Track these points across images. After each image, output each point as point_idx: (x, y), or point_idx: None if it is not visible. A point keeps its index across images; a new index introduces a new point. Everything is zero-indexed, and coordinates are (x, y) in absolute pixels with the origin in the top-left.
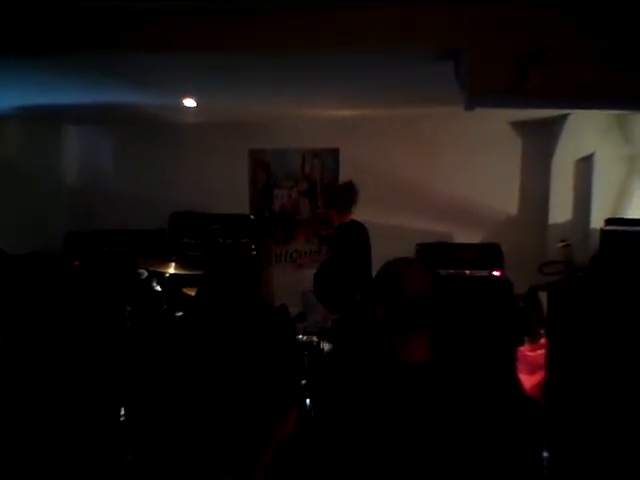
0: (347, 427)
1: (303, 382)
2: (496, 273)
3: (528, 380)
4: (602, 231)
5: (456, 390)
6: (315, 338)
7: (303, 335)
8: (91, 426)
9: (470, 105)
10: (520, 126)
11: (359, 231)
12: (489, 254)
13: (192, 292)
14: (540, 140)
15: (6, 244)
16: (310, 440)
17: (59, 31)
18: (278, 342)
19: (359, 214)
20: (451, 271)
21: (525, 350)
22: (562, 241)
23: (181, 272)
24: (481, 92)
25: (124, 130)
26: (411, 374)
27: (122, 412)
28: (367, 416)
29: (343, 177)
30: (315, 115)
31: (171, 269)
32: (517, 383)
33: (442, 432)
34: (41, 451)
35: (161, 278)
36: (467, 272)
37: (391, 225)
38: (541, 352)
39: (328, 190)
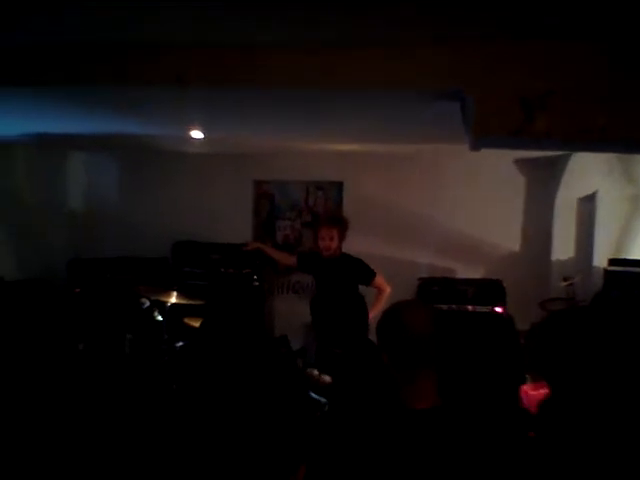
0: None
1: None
2: (498, 309)
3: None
4: (605, 271)
5: (462, 440)
6: (316, 372)
7: (303, 368)
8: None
9: (476, 146)
10: (524, 164)
11: None
12: (491, 290)
13: (193, 322)
14: (543, 178)
15: (9, 270)
16: None
17: (70, 64)
18: (278, 381)
19: (362, 246)
20: (453, 306)
21: (527, 389)
22: (565, 279)
23: (183, 302)
24: (487, 134)
25: (129, 158)
26: (416, 422)
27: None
28: (371, 468)
29: (347, 210)
30: (320, 148)
31: (173, 298)
32: (521, 424)
33: None
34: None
35: (162, 307)
36: (469, 308)
37: (393, 259)
38: (543, 391)
39: (339, 214)
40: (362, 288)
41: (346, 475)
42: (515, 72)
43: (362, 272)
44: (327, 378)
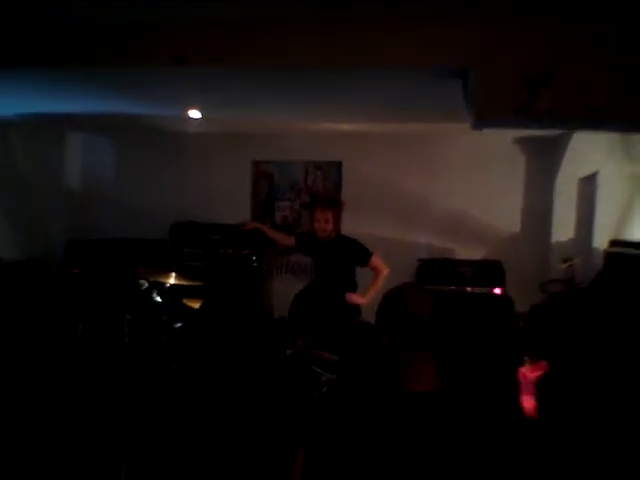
0: (349, 466)
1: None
2: (497, 291)
3: (527, 401)
4: (605, 253)
5: (459, 423)
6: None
7: (305, 347)
8: (88, 435)
9: (478, 126)
10: (524, 143)
11: None
12: (491, 271)
13: (192, 303)
14: (544, 157)
15: (8, 251)
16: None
17: (69, 43)
18: (292, 394)
19: (361, 227)
20: (452, 287)
21: (525, 371)
22: (565, 261)
23: (181, 283)
24: (489, 113)
25: (127, 138)
26: (415, 405)
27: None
28: (370, 451)
29: (346, 190)
30: (319, 128)
31: (171, 279)
32: (519, 408)
33: (445, 466)
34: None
35: (161, 288)
36: (468, 289)
37: (393, 240)
38: (541, 373)
39: (335, 196)
40: (360, 273)
41: (344, 458)
42: (518, 50)
43: (358, 252)
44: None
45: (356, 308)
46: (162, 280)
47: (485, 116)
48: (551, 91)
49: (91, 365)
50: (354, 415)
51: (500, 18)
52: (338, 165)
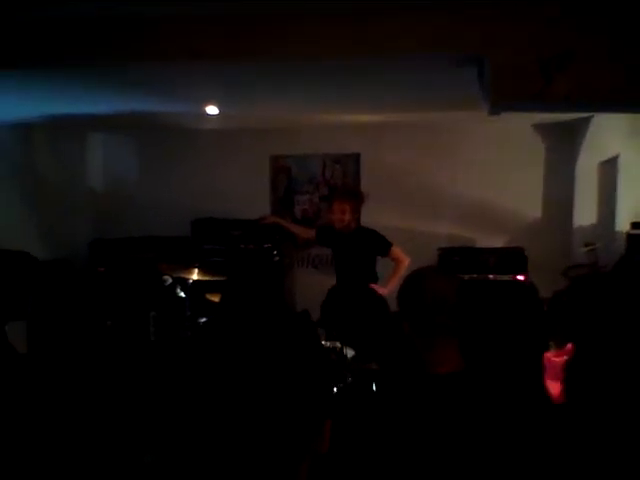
0: (376, 447)
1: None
2: (520, 277)
3: (554, 386)
4: (628, 235)
5: (483, 405)
6: (339, 344)
7: (326, 341)
8: (112, 428)
9: (494, 111)
10: (543, 129)
11: None
12: (513, 258)
13: (215, 298)
14: (564, 143)
15: (32, 251)
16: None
17: (84, 41)
18: (303, 350)
19: (381, 218)
20: (474, 275)
21: (551, 356)
22: (587, 245)
23: (204, 278)
24: (505, 98)
25: (147, 137)
26: (437, 387)
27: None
28: (394, 431)
29: (364, 182)
30: (336, 120)
31: (194, 275)
32: (544, 391)
33: (467, 449)
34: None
35: (184, 284)
36: (490, 277)
37: (413, 230)
38: (566, 358)
39: (354, 188)
40: (381, 264)
41: (370, 438)
42: (532, 35)
43: (378, 243)
44: (349, 351)
45: (381, 299)
46: (185, 276)
47: (501, 102)
48: (567, 75)
49: (119, 361)
50: (381, 403)
51: (514, 3)
52: (356, 157)
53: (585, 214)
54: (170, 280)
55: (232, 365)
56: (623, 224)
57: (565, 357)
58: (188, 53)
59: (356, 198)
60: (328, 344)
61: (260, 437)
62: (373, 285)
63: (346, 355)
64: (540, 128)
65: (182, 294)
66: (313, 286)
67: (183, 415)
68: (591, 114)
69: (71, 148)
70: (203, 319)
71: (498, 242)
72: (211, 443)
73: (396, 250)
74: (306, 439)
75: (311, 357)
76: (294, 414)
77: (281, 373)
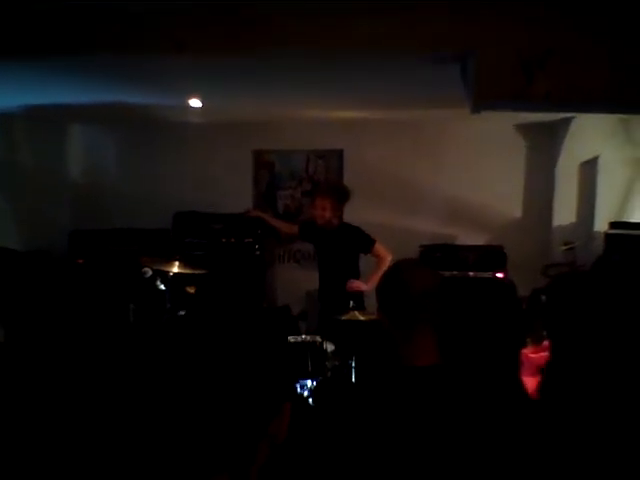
0: (352, 438)
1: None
2: (499, 275)
3: (530, 382)
4: (606, 235)
5: (461, 396)
6: (319, 338)
7: (306, 335)
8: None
9: (476, 109)
10: (524, 128)
11: None
12: (493, 256)
13: (194, 291)
14: (544, 142)
15: (11, 243)
16: (309, 441)
17: (66, 31)
18: (272, 341)
19: (363, 214)
20: (455, 272)
21: (528, 352)
22: (566, 244)
23: (185, 271)
24: (488, 96)
25: (128, 129)
26: (414, 379)
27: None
28: (371, 425)
29: (347, 178)
30: (319, 116)
31: (175, 268)
32: (521, 387)
33: (445, 440)
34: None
35: (165, 277)
36: (471, 274)
37: (395, 226)
38: (544, 354)
39: (337, 184)
40: (363, 261)
41: (346, 433)
42: (516, 34)
43: (361, 240)
44: (329, 346)
45: (359, 295)
46: (166, 269)
47: (483, 100)
48: (548, 74)
49: (101, 348)
50: (358, 394)
51: (498, 2)
52: (339, 153)
53: (565, 213)
54: (150, 272)
55: (201, 355)
56: (602, 224)
57: (542, 354)
58: (172, 46)
59: (338, 194)
60: (308, 338)
61: (218, 415)
62: (355, 281)
63: (326, 349)
64: (522, 128)
65: (162, 287)
66: (295, 281)
67: (156, 405)
68: (572, 115)
69: (51, 139)
70: (182, 312)
71: (479, 240)
72: (174, 420)
73: (379, 247)
74: (263, 418)
75: (271, 347)
76: (252, 396)
77: (240, 360)
